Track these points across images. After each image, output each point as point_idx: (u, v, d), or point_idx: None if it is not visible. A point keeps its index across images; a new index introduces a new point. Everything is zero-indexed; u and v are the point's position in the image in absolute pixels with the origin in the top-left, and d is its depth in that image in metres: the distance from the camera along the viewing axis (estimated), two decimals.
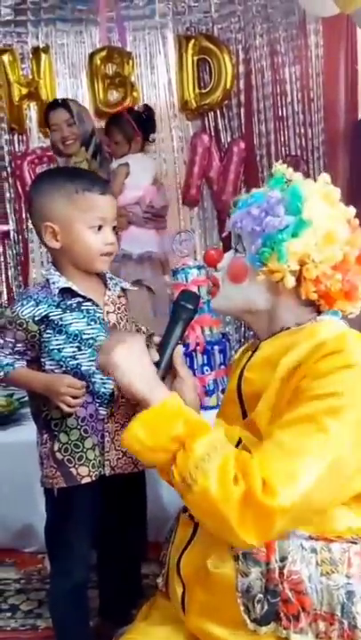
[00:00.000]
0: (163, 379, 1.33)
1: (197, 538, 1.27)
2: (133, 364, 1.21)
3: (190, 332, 2.51)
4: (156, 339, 1.41)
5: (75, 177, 1.62)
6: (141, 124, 3.53)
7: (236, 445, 1.27)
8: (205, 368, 2.54)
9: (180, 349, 1.37)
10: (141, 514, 1.78)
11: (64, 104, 3.37)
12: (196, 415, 1.19)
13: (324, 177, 1.34)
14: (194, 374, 2.53)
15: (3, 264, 4.35)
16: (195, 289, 2.48)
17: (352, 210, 1.32)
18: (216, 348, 2.56)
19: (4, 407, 2.62)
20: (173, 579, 1.29)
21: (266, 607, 1.12)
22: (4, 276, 4.36)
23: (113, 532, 1.72)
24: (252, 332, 1.45)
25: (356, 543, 1.16)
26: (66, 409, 1.54)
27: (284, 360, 1.19)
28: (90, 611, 1.76)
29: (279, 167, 1.34)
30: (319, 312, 1.30)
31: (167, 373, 1.36)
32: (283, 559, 1.13)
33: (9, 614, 2.03)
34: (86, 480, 1.59)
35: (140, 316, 3.12)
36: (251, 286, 1.30)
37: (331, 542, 1.15)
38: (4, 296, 4.33)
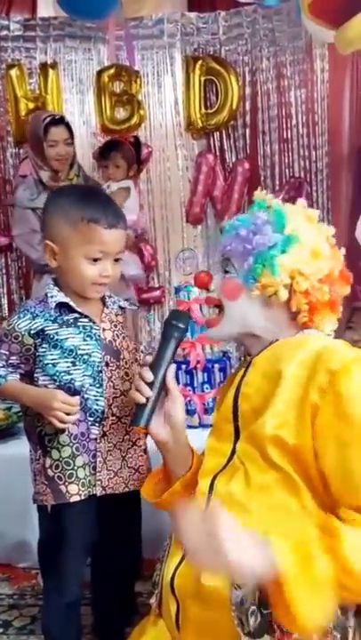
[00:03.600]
0: (157, 398, 1.39)
1: None
2: (245, 551, 1.01)
3: (191, 350, 2.52)
4: (148, 358, 1.43)
5: (85, 204, 1.56)
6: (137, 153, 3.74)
7: (228, 460, 1.31)
8: (205, 386, 2.54)
9: (172, 369, 1.41)
10: (136, 532, 1.77)
11: (66, 123, 3.39)
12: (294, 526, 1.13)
13: (302, 202, 1.44)
14: (194, 392, 2.54)
15: (5, 276, 4.36)
16: (196, 307, 2.49)
17: (331, 229, 1.41)
18: (216, 366, 2.56)
19: (1, 420, 2.61)
20: (167, 597, 1.29)
21: (259, 619, 1.11)
22: (5, 288, 4.37)
23: (107, 549, 1.71)
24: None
25: None
26: (58, 425, 1.52)
27: (284, 371, 1.23)
28: (83, 628, 1.75)
29: (259, 194, 1.43)
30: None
31: (160, 392, 1.40)
32: None
33: (1, 630, 2.01)
34: (75, 498, 1.58)
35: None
36: (245, 302, 1.36)
37: None
38: (5, 308, 4.34)
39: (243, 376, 1.36)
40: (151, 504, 1.50)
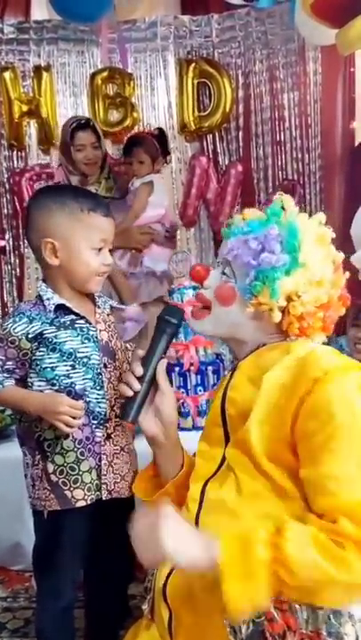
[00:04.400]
0: (147, 393, 1.36)
1: None
2: (183, 540, 1.10)
3: (185, 353, 2.52)
4: (140, 352, 1.42)
5: (79, 196, 1.59)
6: (161, 146, 3.59)
7: (220, 466, 1.30)
8: (199, 388, 2.55)
9: (163, 363, 1.39)
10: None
11: (92, 126, 3.36)
12: (243, 526, 1.15)
13: (320, 217, 1.37)
14: (187, 394, 2.54)
15: None
16: (189, 309, 2.48)
17: (341, 255, 1.36)
18: (210, 368, 2.57)
19: None
20: (160, 604, 1.28)
21: (251, 627, 1.11)
22: None
23: (102, 551, 1.70)
24: None
25: None
26: (65, 429, 1.51)
27: (268, 375, 1.22)
28: (76, 631, 1.75)
29: (283, 196, 1.37)
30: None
31: (150, 387, 1.38)
32: None
33: None
34: (81, 503, 1.57)
35: None
36: (236, 311, 1.34)
37: None
38: None
39: (229, 380, 1.35)
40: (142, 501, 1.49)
